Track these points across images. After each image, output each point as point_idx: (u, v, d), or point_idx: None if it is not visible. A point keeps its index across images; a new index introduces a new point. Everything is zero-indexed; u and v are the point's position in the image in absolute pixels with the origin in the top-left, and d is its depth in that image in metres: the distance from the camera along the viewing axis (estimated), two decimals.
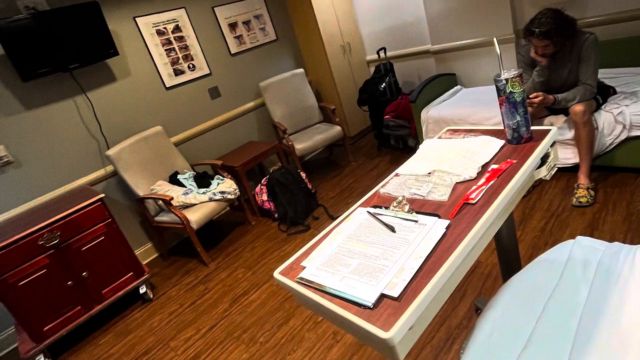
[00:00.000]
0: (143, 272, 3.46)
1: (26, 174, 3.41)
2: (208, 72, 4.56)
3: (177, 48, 4.27)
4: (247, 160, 4.23)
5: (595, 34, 2.76)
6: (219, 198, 3.73)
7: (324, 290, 1.10)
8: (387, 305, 0.98)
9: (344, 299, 1.05)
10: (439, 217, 1.24)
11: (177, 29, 4.26)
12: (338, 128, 4.76)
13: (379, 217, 1.34)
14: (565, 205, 2.93)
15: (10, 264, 2.80)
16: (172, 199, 3.52)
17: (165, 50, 4.19)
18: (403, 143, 4.83)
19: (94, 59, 3.57)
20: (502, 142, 1.56)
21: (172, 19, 4.22)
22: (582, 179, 2.94)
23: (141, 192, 3.71)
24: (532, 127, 1.55)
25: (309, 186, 4.29)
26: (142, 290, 3.45)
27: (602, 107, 2.97)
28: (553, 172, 1.54)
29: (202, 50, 4.49)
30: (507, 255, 1.92)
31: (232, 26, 4.73)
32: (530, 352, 1.13)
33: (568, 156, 3.13)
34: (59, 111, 3.56)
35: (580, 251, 1.42)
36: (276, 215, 4.15)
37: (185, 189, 3.76)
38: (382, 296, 1.01)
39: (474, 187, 1.32)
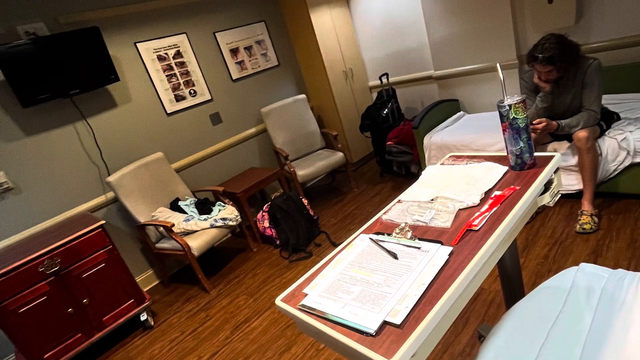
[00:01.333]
0: (144, 299, 3.43)
1: (26, 201, 3.41)
2: (209, 98, 4.59)
3: (178, 74, 4.30)
4: (249, 187, 4.23)
5: (599, 60, 2.77)
6: (220, 225, 3.72)
7: (326, 317, 1.09)
8: (389, 333, 0.97)
9: (346, 326, 1.04)
10: (442, 243, 1.23)
11: (178, 54, 4.30)
12: (340, 154, 4.77)
13: (381, 243, 1.34)
14: (569, 232, 2.91)
15: (10, 290, 2.78)
16: (173, 225, 3.51)
17: (167, 75, 4.22)
18: (406, 169, 4.84)
19: (95, 85, 3.58)
20: (506, 168, 1.56)
21: (174, 45, 4.27)
22: (586, 206, 2.93)
23: (142, 219, 3.70)
24: (536, 153, 1.56)
25: (311, 213, 4.28)
26: (143, 317, 3.41)
27: (606, 133, 2.97)
28: (556, 198, 1.54)
29: (203, 76, 4.52)
30: (511, 282, 1.91)
31: (234, 52, 4.79)
32: None
33: (572, 182, 3.13)
34: (59, 137, 3.57)
35: (583, 278, 1.40)
36: (278, 242, 4.13)
37: (186, 215, 3.76)
38: (385, 323, 1.01)
39: (477, 214, 1.32)
